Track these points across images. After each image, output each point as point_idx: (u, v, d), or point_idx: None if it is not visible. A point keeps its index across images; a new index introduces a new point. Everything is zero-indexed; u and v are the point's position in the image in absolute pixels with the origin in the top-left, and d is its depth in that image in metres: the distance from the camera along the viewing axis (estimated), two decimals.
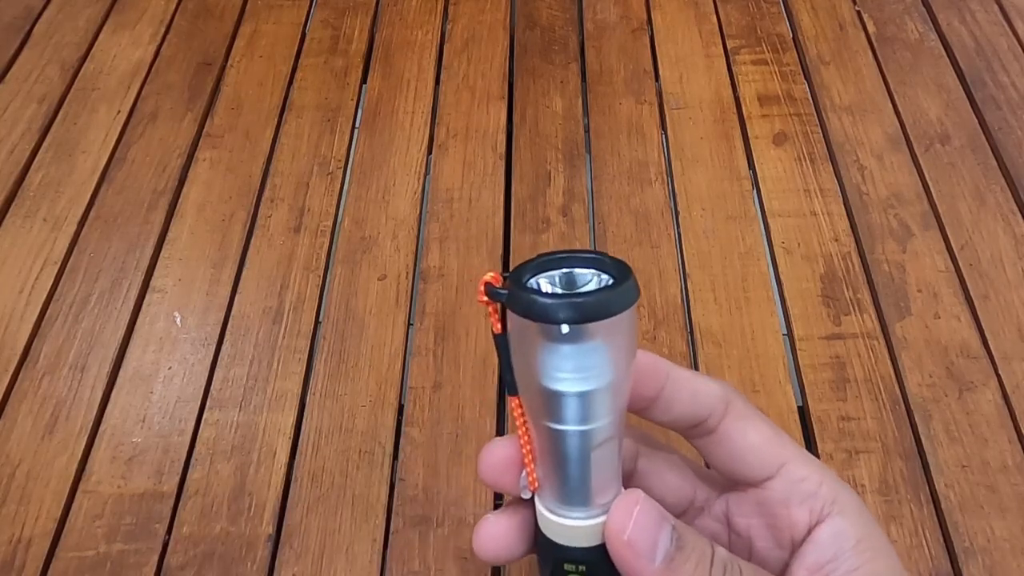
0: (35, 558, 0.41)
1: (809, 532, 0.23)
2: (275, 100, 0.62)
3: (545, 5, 0.69)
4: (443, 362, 0.48)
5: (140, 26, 0.68)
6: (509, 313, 0.21)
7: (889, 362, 0.48)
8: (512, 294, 0.20)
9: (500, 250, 0.53)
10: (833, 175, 0.57)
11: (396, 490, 0.43)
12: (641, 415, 0.24)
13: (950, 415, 0.45)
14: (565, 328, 0.19)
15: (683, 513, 0.26)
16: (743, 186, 0.56)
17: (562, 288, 0.21)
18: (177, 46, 0.66)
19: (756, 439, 0.24)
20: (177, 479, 0.44)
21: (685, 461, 0.26)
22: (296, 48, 0.66)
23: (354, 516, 0.42)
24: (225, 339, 0.49)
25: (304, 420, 0.46)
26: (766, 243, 0.54)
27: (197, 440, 0.45)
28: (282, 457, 0.45)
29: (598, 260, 0.21)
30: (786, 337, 0.50)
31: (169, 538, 0.42)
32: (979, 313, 0.49)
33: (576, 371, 0.20)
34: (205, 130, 0.61)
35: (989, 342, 0.48)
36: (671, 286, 0.51)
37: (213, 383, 0.48)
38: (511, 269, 0.21)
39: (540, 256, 0.21)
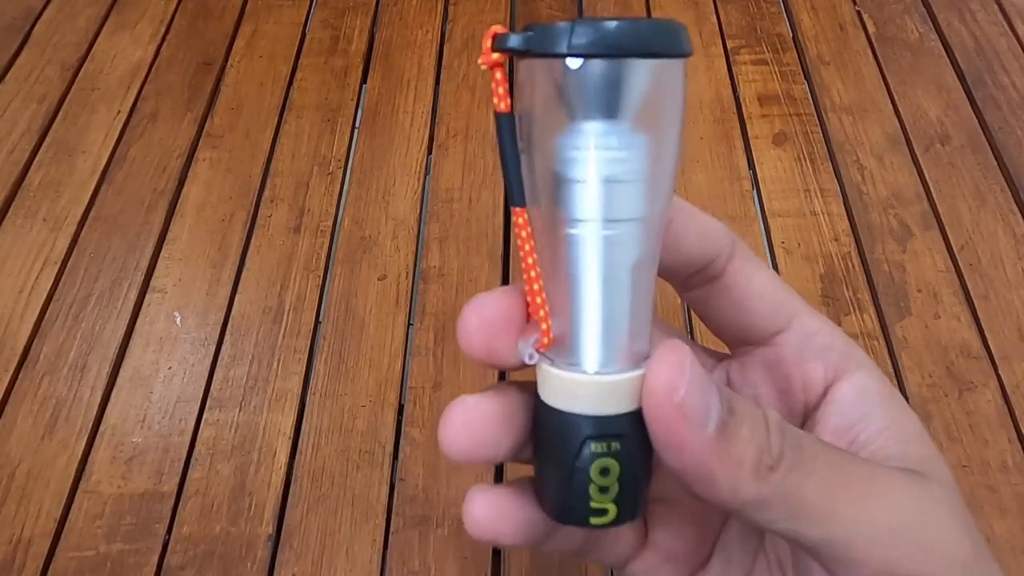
0: (35, 558, 0.41)
1: (825, 392, 0.20)
2: (275, 100, 0.62)
3: (545, 5, 0.69)
4: (443, 362, 0.48)
5: (140, 26, 0.68)
6: (522, 84, 0.16)
7: (889, 362, 0.48)
8: (535, 31, 0.15)
9: (500, 250, 0.53)
10: (833, 175, 0.57)
11: (396, 490, 0.43)
12: None
13: (950, 415, 0.45)
14: (597, 66, 0.14)
15: None
16: (743, 186, 0.56)
17: None
18: (177, 46, 0.66)
19: (766, 283, 0.20)
20: (177, 479, 0.44)
21: (677, 329, 0.22)
22: (296, 48, 0.66)
23: (354, 516, 0.42)
24: (225, 339, 0.49)
25: (304, 420, 0.46)
26: (766, 243, 0.54)
27: (197, 440, 0.45)
28: (282, 457, 0.45)
29: (636, 21, 0.16)
30: None
31: (169, 538, 0.42)
32: (979, 313, 0.49)
33: (611, 145, 0.15)
34: (205, 130, 0.61)
35: (989, 342, 0.48)
36: (671, 286, 0.51)
37: (213, 383, 0.48)
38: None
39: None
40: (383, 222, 0.55)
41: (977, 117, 0.60)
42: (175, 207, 0.56)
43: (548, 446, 0.17)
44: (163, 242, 0.54)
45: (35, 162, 0.58)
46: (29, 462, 0.44)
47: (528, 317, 0.18)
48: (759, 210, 0.56)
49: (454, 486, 0.43)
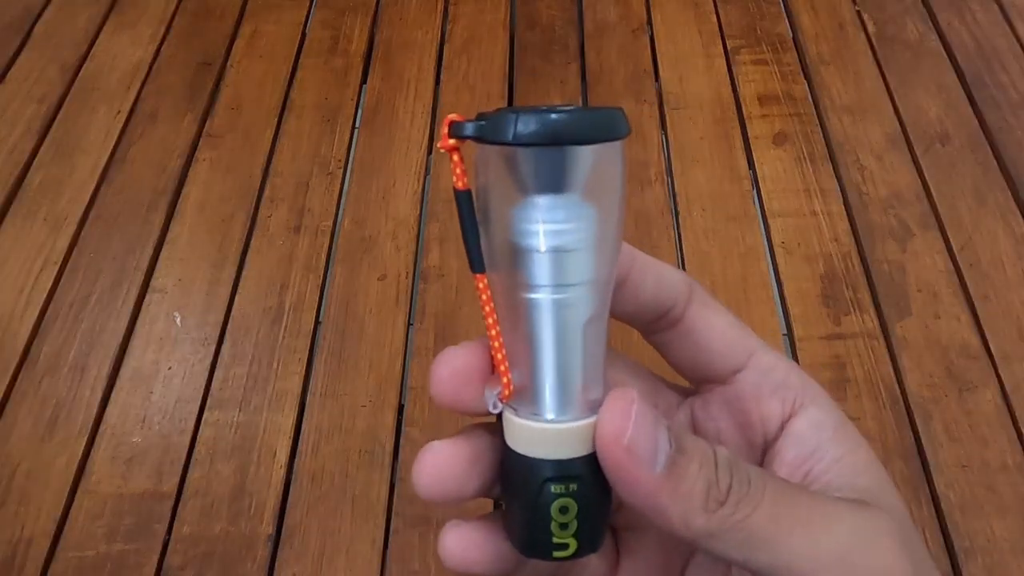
0: (35, 558, 0.41)
1: (782, 427, 0.21)
2: (275, 100, 0.62)
3: (545, 5, 0.69)
4: None
5: (140, 26, 0.68)
6: (478, 162, 0.18)
7: (889, 362, 0.48)
8: (486, 120, 0.17)
9: None
10: (833, 175, 0.57)
11: (396, 490, 0.43)
12: None
13: (950, 415, 0.45)
14: (563, 150, 0.16)
15: None
16: (743, 186, 0.56)
17: None
18: (177, 46, 0.66)
19: (723, 325, 0.22)
20: (177, 479, 0.44)
21: (644, 368, 0.24)
22: (296, 48, 0.66)
23: (354, 516, 0.42)
24: (225, 339, 0.49)
25: (304, 420, 0.46)
26: (766, 243, 0.54)
27: (197, 440, 0.45)
28: (282, 457, 0.45)
29: (582, 109, 0.18)
30: (786, 337, 0.50)
31: (169, 538, 0.42)
32: (979, 313, 0.49)
33: (558, 219, 0.17)
34: (205, 130, 0.61)
35: (989, 342, 0.48)
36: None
37: (213, 383, 0.48)
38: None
39: (505, 109, 0.18)
40: (383, 222, 0.55)
41: (977, 117, 0.60)
42: (175, 207, 0.56)
43: (513, 486, 0.19)
44: (163, 242, 0.54)
45: (35, 162, 0.58)
46: (29, 462, 0.44)
47: (493, 369, 0.19)
48: (759, 210, 0.56)
49: None
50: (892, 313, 0.50)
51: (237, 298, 0.51)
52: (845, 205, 0.55)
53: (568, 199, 0.17)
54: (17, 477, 0.44)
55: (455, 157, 0.18)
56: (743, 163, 0.58)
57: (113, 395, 0.47)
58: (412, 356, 0.48)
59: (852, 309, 0.50)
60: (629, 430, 0.17)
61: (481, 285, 0.18)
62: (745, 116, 0.61)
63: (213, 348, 0.49)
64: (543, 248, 0.17)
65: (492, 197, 0.18)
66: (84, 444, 0.45)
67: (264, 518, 0.42)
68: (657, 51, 0.65)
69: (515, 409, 0.19)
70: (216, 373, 0.48)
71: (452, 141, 0.18)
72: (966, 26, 0.66)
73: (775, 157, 0.58)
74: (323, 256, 0.53)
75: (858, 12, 0.68)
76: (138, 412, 0.46)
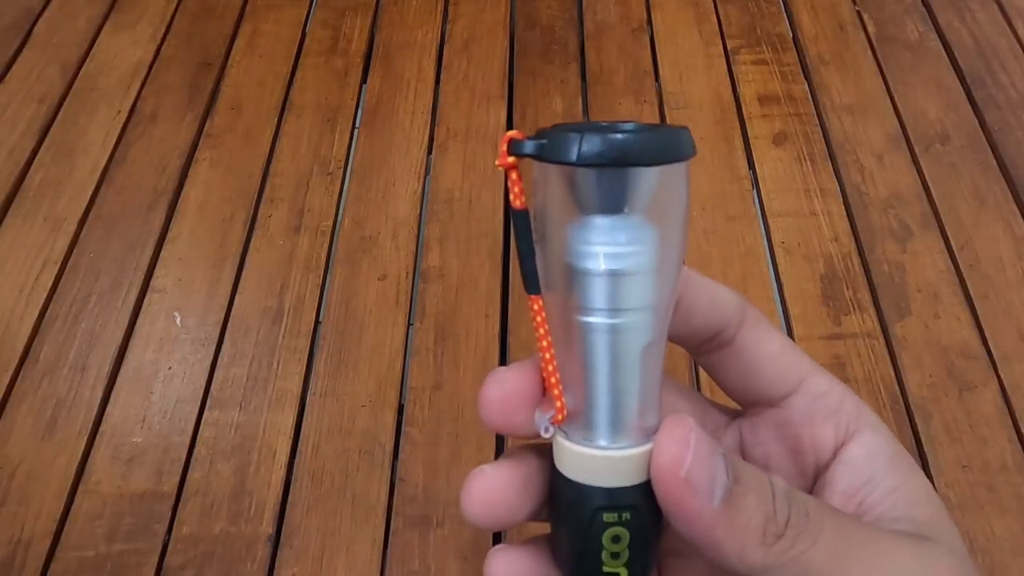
0: (35, 558, 0.41)
1: (835, 454, 0.21)
2: (275, 100, 0.62)
3: (545, 5, 0.69)
4: (443, 362, 0.48)
5: (140, 26, 0.68)
6: (536, 180, 0.17)
7: (889, 362, 0.48)
8: (547, 138, 0.16)
9: (500, 250, 0.53)
10: (833, 175, 0.57)
11: (396, 490, 0.43)
12: None
13: (950, 415, 0.45)
14: (626, 172, 0.16)
15: None
16: (743, 186, 0.56)
17: None
18: (177, 46, 0.66)
19: (775, 348, 0.21)
20: (177, 479, 0.44)
21: (691, 388, 0.23)
22: (296, 48, 0.66)
23: (354, 516, 0.42)
24: (225, 339, 0.49)
25: (304, 420, 0.46)
26: (766, 243, 0.54)
27: (197, 440, 0.45)
28: (282, 457, 0.45)
29: (642, 126, 0.17)
30: None
31: (169, 538, 0.42)
32: (979, 313, 0.49)
33: (619, 241, 0.16)
34: (205, 130, 0.61)
35: (989, 342, 0.48)
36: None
37: (213, 383, 0.48)
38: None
39: (565, 124, 0.17)
40: (383, 222, 0.55)
41: (977, 117, 0.60)
42: (175, 207, 0.56)
43: (563, 513, 0.18)
44: (163, 242, 0.54)
45: (35, 162, 0.58)
46: (29, 462, 0.44)
47: (544, 392, 0.19)
48: (759, 210, 0.56)
49: (454, 486, 0.43)
50: (892, 313, 0.50)
51: (237, 298, 0.51)
52: (845, 205, 0.55)
53: (630, 221, 0.17)
54: (17, 477, 0.44)
55: (513, 175, 0.17)
56: (743, 163, 0.58)
57: (113, 395, 0.47)
58: (412, 356, 0.48)
59: (852, 309, 0.50)
60: (688, 460, 0.17)
61: (536, 307, 0.18)
62: (745, 116, 0.61)
63: (213, 348, 0.49)
64: (602, 271, 0.17)
65: (550, 216, 0.17)
66: (84, 444, 0.45)
67: (264, 518, 0.42)
68: (657, 51, 0.65)
69: (567, 433, 0.18)
70: (216, 373, 0.48)
71: (511, 159, 0.17)
72: (966, 26, 0.66)
73: (775, 157, 0.58)
74: (323, 256, 0.53)
75: (858, 12, 0.68)
76: (138, 412, 0.46)
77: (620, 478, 0.17)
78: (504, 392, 0.19)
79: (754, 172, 0.58)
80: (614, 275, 0.17)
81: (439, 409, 0.46)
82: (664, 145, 0.16)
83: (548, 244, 0.18)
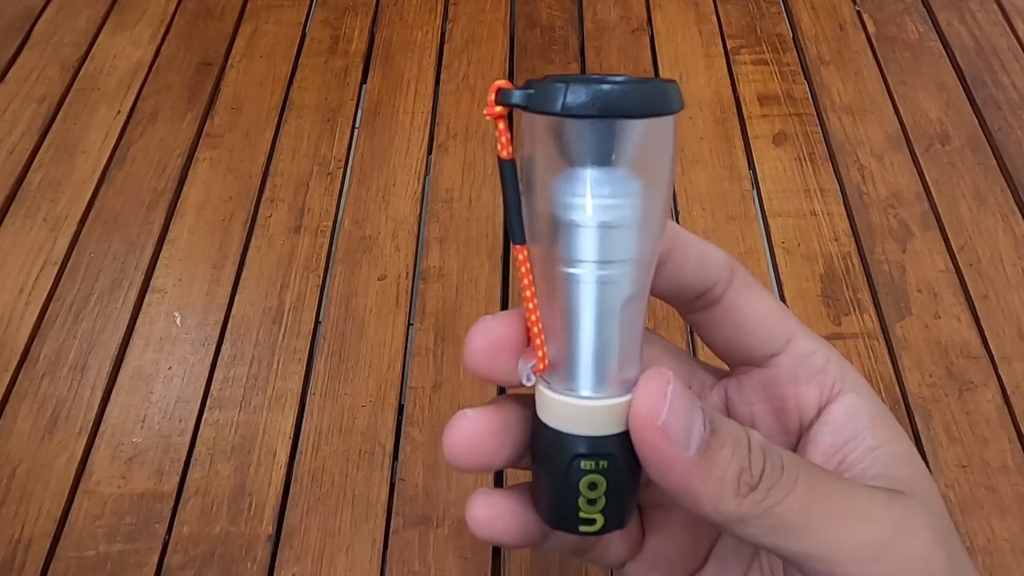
0: (35, 558, 0.41)
1: (819, 413, 0.21)
2: (275, 100, 0.62)
3: (545, 5, 0.69)
4: (443, 362, 0.48)
5: (140, 26, 0.68)
6: (523, 131, 0.17)
7: (889, 362, 0.48)
8: (534, 88, 0.16)
9: (500, 250, 0.53)
10: (833, 175, 0.57)
11: (396, 490, 0.43)
12: None
13: (950, 415, 0.45)
14: (612, 123, 0.15)
15: None
16: (743, 186, 0.56)
17: None
18: (177, 46, 0.66)
19: (763, 308, 0.22)
20: (177, 479, 0.44)
21: (678, 348, 0.24)
22: (296, 48, 0.66)
23: (354, 516, 0.42)
24: (225, 339, 0.49)
25: (304, 420, 0.46)
26: (766, 243, 0.54)
27: (197, 440, 0.45)
28: (282, 457, 0.45)
29: (632, 79, 0.17)
30: None
31: (169, 538, 0.42)
32: (979, 313, 0.49)
33: (604, 193, 0.17)
34: (205, 130, 0.61)
35: (989, 342, 0.48)
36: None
37: (213, 383, 0.48)
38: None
39: (554, 76, 0.17)
40: (383, 222, 0.55)
41: (977, 117, 0.60)
42: (175, 207, 0.56)
43: (543, 460, 0.19)
44: (163, 242, 0.54)
45: (35, 162, 0.58)
46: (29, 462, 0.44)
47: (528, 341, 0.19)
48: (759, 210, 0.56)
49: (454, 486, 0.43)
50: (892, 313, 0.50)
51: (237, 298, 0.51)
52: (845, 205, 0.55)
53: (615, 173, 0.17)
54: (17, 477, 0.44)
55: (500, 125, 0.17)
56: (743, 163, 0.58)
57: (113, 395, 0.47)
58: (412, 356, 0.48)
59: (852, 309, 0.50)
60: (664, 410, 0.17)
61: (520, 257, 0.18)
62: (745, 116, 0.61)
63: (213, 348, 0.49)
64: (587, 223, 0.17)
65: (537, 167, 0.18)
66: (84, 444, 0.45)
67: (264, 518, 0.42)
68: (657, 51, 0.65)
69: (548, 383, 0.19)
70: (216, 373, 0.48)
71: (499, 109, 0.17)
72: (966, 26, 0.66)
73: (775, 157, 0.58)
74: (323, 256, 0.53)
75: (858, 12, 0.68)
76: (138, 412, 0.46)
77: (599, 427, 0.18)
78: (488, 340, 0.19)
79: (754, 172, 0.58)
80: (598, 227, 0.17)
81: (439, 409, 0.46)
82: (651, 98, 0.16)
83: (534, 195, 0.18)
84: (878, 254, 0.52)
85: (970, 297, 0.50)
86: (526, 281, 0.18)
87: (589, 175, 0.17)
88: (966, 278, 0.51)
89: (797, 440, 0.22)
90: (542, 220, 0.18)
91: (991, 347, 0.48)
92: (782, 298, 0.51)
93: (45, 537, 0.42)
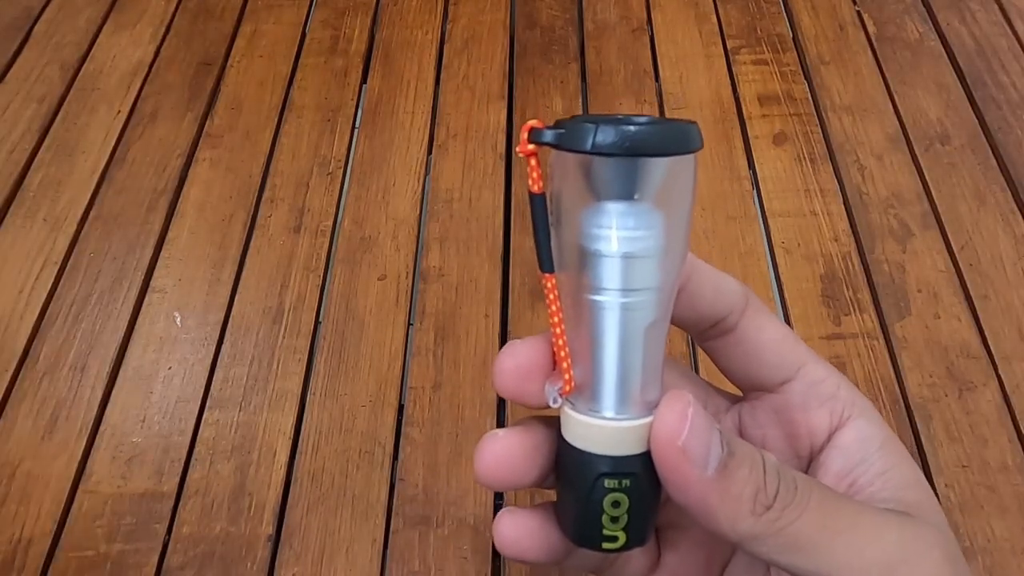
0: (35, 558, 0.41)
1: (829, 437, 0.22)
2: (275, 100, 0.62)
3: (545, 5, 0.69)
4: (443, 362, 0.48)
5: (140, 26, 0.68)
6: (553, 167, 0.19)
7: (889, 362, 0.48)
8: (565, 128, 0.18)
9: (500, 250, 0.53)
10: (833, 175, 0.57)
11: (396, 490, 0.43)
12: None
13: (950, 415, 0.45)
14: (638, 162, 0.17)
15: None
16: (743, 186, 0.56)
17: None
18: (177, 46, 0.66)
19: (775, 336, 0.22)
20: (177, 479, 0.44)
21: (694, 373, 0.25)
22: (296, 48, 0.66)
23: (354, 516, 0.42)
24: (225, 339, 0.49)
25: (304, 420, 0.46)
26: (766, 243, 0.54)
27: (197, 440, 0.45)
28: (282, 457, 0.45)
29: (655, 119, 0.18)
30: None
31: (169, 538, 0.42)
32: (979, 313, 0.49)
33: (629, 225, 0.18)
34: (205, 130, 0.61)
35: (989, 342, 0.48)
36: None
37: (213, 383, 0.48)
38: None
39: (582, 116, 0.19)
40: (383, 222, 0.55)
41: (977, 117, 0.60)
42: (175, 207, 0.56)
43: (568, 479, 0.20)
44: (163, 242, 0.54)
45: (35, 162, 0.58)
46: (29, 462, 0.44)
47: (554, 365, 0.20)
48: (759, 210, 0.56)
49: (454, 486, 0.43)
50: (892, 313, 0.50)
51: (237, 298, 0.51)
52: (845, 205, 0.55)
53: (640, 207, 0.18)
54: (17, 477, 0.44)
55: (532, 162, 0.19)
56: (743, 163, 0.58)
57: (113, 395, 0.47)
58: (412, 356, 0.48)
59: (852, 309, 0.50)
60: (684, 431, 0.18)
61: (549, 284, 0.19)
62: (745, 116, 0.61)
63: (213, 348, 0.49)
64: (613, 253, 0.18)
65: (565, 201, 0.19)
66: (84, 444, 0.45)
67: (264, 518, 0.42)
68: (657, 51, 0.65)
69: (574, 404, 0.19)
70: (216, 373, 0.48)
71: (531, 147, 0.18)
72: (966, 26, 0.66)
73: (775, 157, 0.58)
74: (323, 256, 0.53)
75: (858, 12, 0.68)
76: (138, 412, 0.46)
77: (622, 447, 0.19)
78: (517, 363, 0.20)
79: (754, 172, 0.58)
80: (623, 257, 0.18)
81: (439, 409, 0.46)
82: (674, 137, 0.18)
83: (562, 227, 0.19)
84: (878, 254, 0.53)
85: (970, 297, 0.50)
86: (554, 308, 0.19)
87: (615, 208, 0.18)
88: (966, 278, 0.51)
89: (808, 464, 0.22)
90: (570, 250, 0.19)
91: (991, 347, 0.48)
92: (782, 298, 0.51)
93: (45, 537, 0.42)
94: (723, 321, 0.22)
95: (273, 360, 0.48)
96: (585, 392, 0.19)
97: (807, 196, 0.56)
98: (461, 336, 0.49)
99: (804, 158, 0.58)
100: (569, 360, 0.19)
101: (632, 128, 0.17)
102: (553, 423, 0.21)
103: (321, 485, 0.43)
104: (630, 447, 0.19)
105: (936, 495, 0.42)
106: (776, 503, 0.18)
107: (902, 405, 0.46)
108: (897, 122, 0.60)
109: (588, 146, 0.17)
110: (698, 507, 0.18)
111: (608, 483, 0.19)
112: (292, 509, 0.43)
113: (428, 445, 0.45)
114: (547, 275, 0.19)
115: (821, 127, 0.60)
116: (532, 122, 0.18)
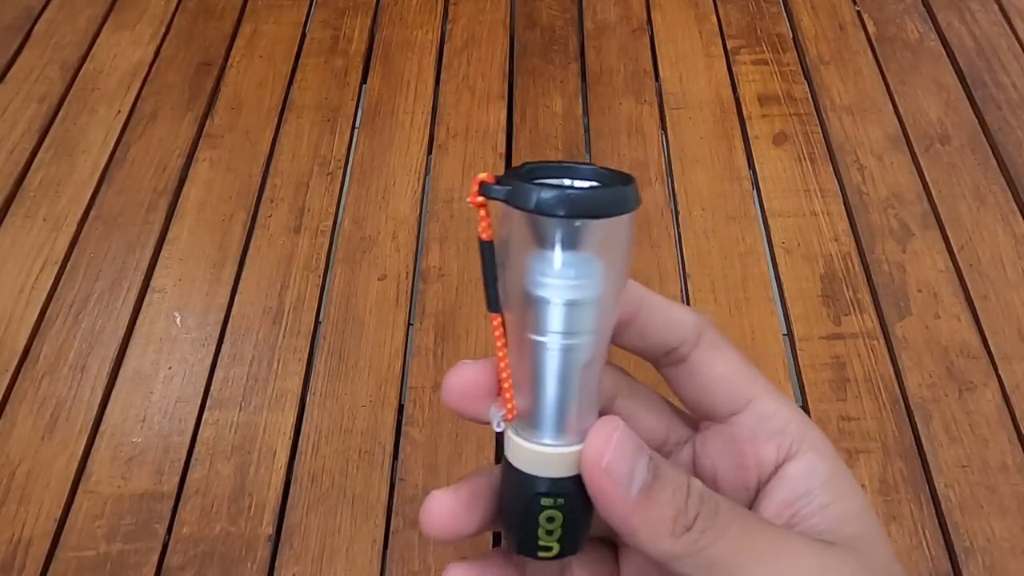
0: (35, 558, 0.41)
1: (776, 470, 0.23)
2: (275, 100, 0.62)
3: (545, 5, 0.69)
4: (443, 362, 0.48)
5: (140, 26, 0.68)
6: (501, 216, 0.20)
7: (889, 362, 0.48)
8: (512, 186, 0.19)
9: None
10: (833, 175, 0.57)
11: (396, 490, 0.43)
12: (614, 341, 0.24)
13: (950, 415, 0.45)
14: (577, 223, 0.19)
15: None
16: (743, 186, 0.56)
17: None
18: (177, 46, 0.66)
19: (724, 370, 0.23)
20: (177, 479, 0.44)
21: (664, 401, 0.26)
22: (296, 48, 0.66)
23: (354, 516, 0.42)
24: (225, 339, 0.49)
25: (304, 420, 0.46)
26: (766, 243, 0.54)
27: (197, 440, 0.45)
28: (282, 457, 0.45)
29: (597, 171, 0.20)
30: (786, 337, 0.50)
31: (169, 538, 0.42)
32: (979, 313, 0.49)
33: (570, 275, 0.20)
34: (205, 130, 0.61)
35: (989, 342, 0.48)
36: (671, 286, 0.51)
37: (213, 383, 0.48)
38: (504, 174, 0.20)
39: (532, 163, 0.21)
40: (383, 222, 0.55)
41: (977, 117, 0.60)
42: (175, 207, 0.56)
43: (510, 495, 0.22)
44: (163, 242, 0.54)
45: (35, 162, 0.58)
46: (29, 462, 0.44)
47: (499, 391, 0.22)
48: (759, 210, 0.56)
49: None
50: (892, 313, 0.50)
51: (237, 298, 0.51)
52: (845, 205, 0.55)
53: (580, 258, 0.20)
54: (17, 477, 0.44)
55: (482, 212, 0.20)
56: (743, 163, 0.58)
57: (113, 395, 0.47)
58: (412, 356, 0.48)
59: (852, 309, 0.50)
60: (608, 455, 0.19)
61: (495, 323, 0.21)
62: (745, 116, 0.61)
63: (213, 348, 0.49)
64: (554, 300, 0.20)
65: (512, 248, 0.20)
66: (84, 444, 0.45)
67: (264, 518, 0.42)
68: (657, 51, 0.65)
69: (516, 429, 0.21)
70: (216, 373, 0.48)
71: (480, 199, 0.20)
72: (966, 26, 0.66)
73: (775, 157, 0.58)
74: (323, 256, 0.53)
75: (858, 12, 0.68)
76: (138, 412, 0.46)
77: (557, 470, 0.21)
78: (464, 383, 0.22)
79: (754, 172, 0.58)
80: (564, 304, 0.20)
81: (439, 409, 0.46)
82: (611, 201, 0.19)
83: (509, 271, 0.21)
84: (878, 254, 0.53)
85: (970, 297, 0.50)
86: (499, 343, 0.21)
87: (557, 258, 0.20)
88: (966, 278, 0.51)
89: (756, 494, 0.23)
90: (516, 292, 0.20)
91: (991, 347, 0.48)
92: (782, 298, 0.51)
93: (45, 537, 0.42)
94: (675, 351, 0.24)
95: (273, 360, 0.48)
96: (526, 419, 0.21)
97: (807, 196, 0.56)
98: (461, 336, 0.49)
99: (804, 158, 0.58)
100: (512, 391, 0.21)
101: (572, 193, 0.19)
102: (494, 475, 0.23)
103: (321, 485, 0.43)
104: (565, 470, 0.21)
105: (936, 495, 0.42)
106: (696, 525, 0.19)
107: (902, 405, 0.46)
108: (897, 122, 0.60)
109: (532, 206, 0.19)
110: (622, 525, 0.19)
111: (544, 501, 0.21)
112: (292, 509, 0.43)
113: (428, 445, 0.45)
114: (494, 314, 0.21)
115: (821, 127, 0.60)
116: (482, 175, 0.20)
